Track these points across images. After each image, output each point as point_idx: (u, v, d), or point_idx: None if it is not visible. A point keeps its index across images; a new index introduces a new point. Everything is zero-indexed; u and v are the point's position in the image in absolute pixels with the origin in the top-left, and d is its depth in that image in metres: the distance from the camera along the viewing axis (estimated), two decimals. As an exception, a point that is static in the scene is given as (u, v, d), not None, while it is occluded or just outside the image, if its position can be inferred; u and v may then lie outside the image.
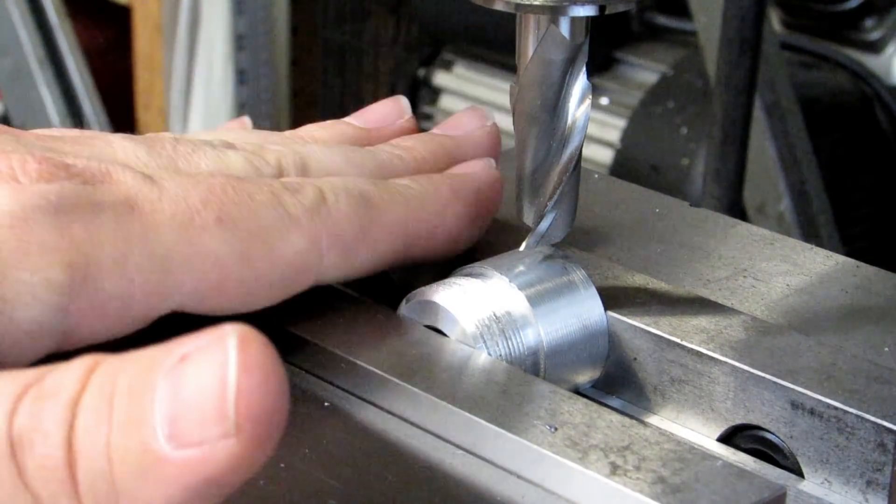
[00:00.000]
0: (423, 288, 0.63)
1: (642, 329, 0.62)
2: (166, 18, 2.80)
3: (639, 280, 0.66)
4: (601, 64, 2.27)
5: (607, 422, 0.55)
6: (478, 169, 0.67)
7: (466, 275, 0.63)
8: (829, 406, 0.57)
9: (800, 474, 0.59)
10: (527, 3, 0.60)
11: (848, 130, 2.14)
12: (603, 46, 2.26)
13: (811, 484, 0.58)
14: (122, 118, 2.84)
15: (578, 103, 0.63)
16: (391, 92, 2.57)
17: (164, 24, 2.81)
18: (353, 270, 0.62)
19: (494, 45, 2.34)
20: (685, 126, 2.12)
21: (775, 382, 0.59)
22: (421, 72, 2.50)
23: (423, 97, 2.48)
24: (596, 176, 0.85)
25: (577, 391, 0.63)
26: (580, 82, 0.63)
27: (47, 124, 2.62)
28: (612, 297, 0.64)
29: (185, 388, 0.41)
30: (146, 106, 2.90)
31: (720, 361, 0.60)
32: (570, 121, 0.63)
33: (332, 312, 0.62)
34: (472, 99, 2.41)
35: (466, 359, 0.59)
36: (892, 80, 2.21)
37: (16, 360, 0.52)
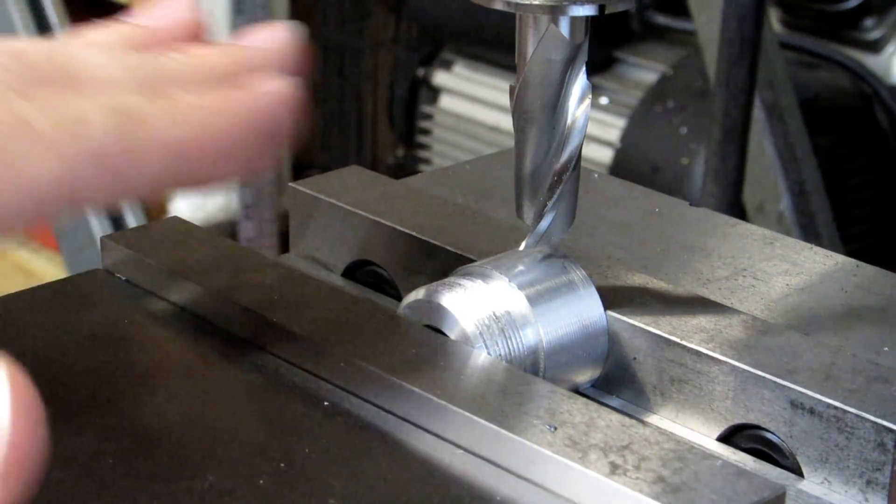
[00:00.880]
0: (423, 288, 0.63)
1: (642, 328, 0.62)
2: (166, 18, 2.80)
3: (638, 280, 0.66)
4: (601, 64, 2.27)
5: (607, 421, 0.55)
6: (272, 88, 0.60)
7: (466, 275, 0.63)
8: (828, 406, 0.57)
9: (799, 474, 0.59)
10: (527, 2, 0.60)
11: (848, 130, 2.14)
12: (603, 46, 2.26)
13: (811, 483, 0.58)
14: (122, 118, 2.84)
15: (578, 103, 0.63)
16: (391, 91, 2.57)
17: (163, 24, 2.80)
18: (122, 191, 0.55)
19: (494, 45, 2.33)
20: (685, 126, 2.12)
21: (775, 382, 0.59)
22: (421, 71, 2.50)
23: (423, 97, 2.48)
24: (596, 175, 0.85)
25: (577, 391, 0.63)
26: (580, 82, 0.63)
27: (47, 124, 2.61)
28: (612, 297, 0.64)
29: None
30: (146, 106, 2.90)
31: (720, 361, 0.60)
32: (569, 120, 0.63)
33: (332, 312, 0.62)
34: (473, 98, 2.41)
35: (466, 359, 0.59)
36: (892, 79, 2.21)
37: None
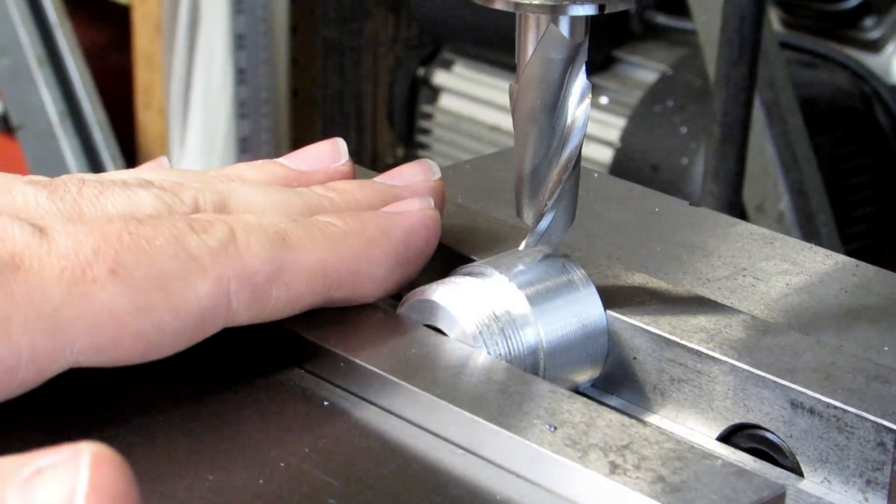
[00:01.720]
0: (422, 287, 0.63)
1: (642, 328, 0.62)
2: (166, 18, 2.80)
3: (638, 279, 0.66)
4: (601, 63, 2.27)
5: (607, 421, 0.55)
6: (413, 208, 0.63)
7: (466, 274, 0.63)
8: (828, 405, 0.57)
9: (799, 473, 0.59)
10: (526, 2, 0.60)
11: (848, 130, 2.14)
12: (602, 46, 2.26)
13: (811, 483, 0.58)
14: (122, 118, 2.85)
15: (578, 102, 0.63)
16: (391, 91, 2.57)
17: (163, 24, 2.81)
18: (268, 313, 0.58)
19: (494, 45, 2.34)
20: (684, 125, 2.12)
21: (775, 382, 0.59)
22: (421, 71, 2.50)
23: (422, 96, 2.48)
24: (595, 175, 0.85)
25: (577, 390, 0.63)
26: (580, 81, 0.63)
27: (47, 124, 2.62)
28: (612, 296, 0.64)
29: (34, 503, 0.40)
30: (146, 106, 2.90)
31: (720, 360, 0.60)
32: (569, 120, 0.63)
33: (332, 312, 0.62)
34: (473, 98, 2.41)
35: (466, 358, 0.59)
36: (892, 79, 2.21)
37: None
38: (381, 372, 0.58)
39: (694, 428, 0.62)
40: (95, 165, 2.65)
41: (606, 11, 0.61)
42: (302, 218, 0.60)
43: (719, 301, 0.65)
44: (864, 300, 0.70)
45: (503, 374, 0.58)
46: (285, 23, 2.83)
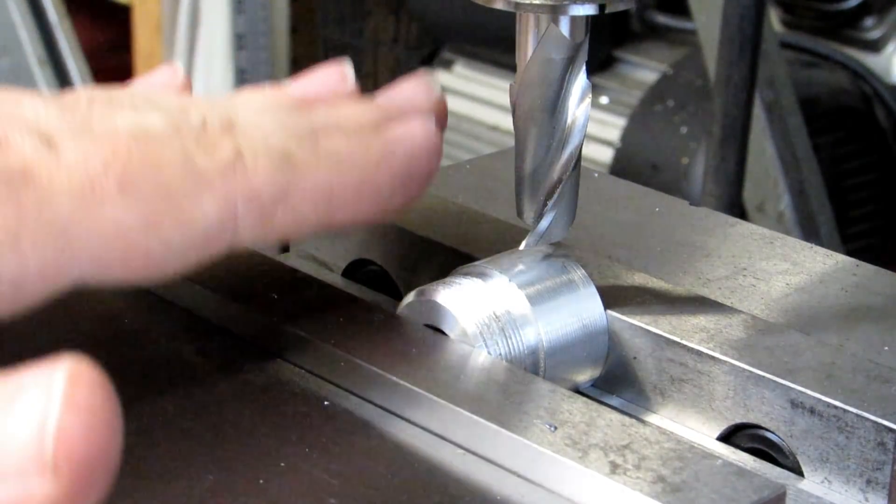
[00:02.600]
0: (422, 287, 0.62)
1: (642, 328, 0.62)
2: (166, 18, 2.80)
3: (638, 279, 0.66)
4: (601, 63, 2.27)
5: (607, 421, 0.55)
6: (415, 130, 0.62)
7: (466, 274, 0.63)
8: (828, 405, 0.57)
9: (800, 473, 0.59)
10: (527, 2, 0.60)
11: (848, 130, 2.14)
12: (603, 45, 2.26)
13: (811, 483, 0.58)
14: (122, 118, 2.84)
15: (578, 102, 0.63)
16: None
17: (164, 24, 2.81)
18: (273, 233, 0.58)
19: (494, 45, 2.34)
20: (685, 125, 2.12)
21: (775, 381, 0.59)
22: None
23: (423, 96, 2.48)
24: (596, 175, 0.85)
25: (577, 390, 0.63)
26: (580, 81, 0.63)
27: (47, 124, 2.61)
28: (612, 296, 0.64)
29: (9, 422, 0.40)
30: (146, 105, 2.90)
31: (720, 360, 0.60)
32: (569, 120, 0.63)
33: (331, 312, 0.62)
34: (473, 98, 2.41)
35: (466, 358, 0.59)
36: (892, 79, 2.21)
37: None
38: (381, 372, 0.58)
39: (694, 428, 0.62)
40: (96, 165, 2.64)
41: (607, 11, 0.61)
42: (307, 140, 0.60)
43: (719, 301, 0.65)
44: (864, 300, 0.70)
45: (503, 373, 0.58)
46: (286, 23, 2.83)
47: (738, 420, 0.60)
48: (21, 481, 0.39)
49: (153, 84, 0.66)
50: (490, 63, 2.40)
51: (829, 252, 0.74)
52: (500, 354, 0.61)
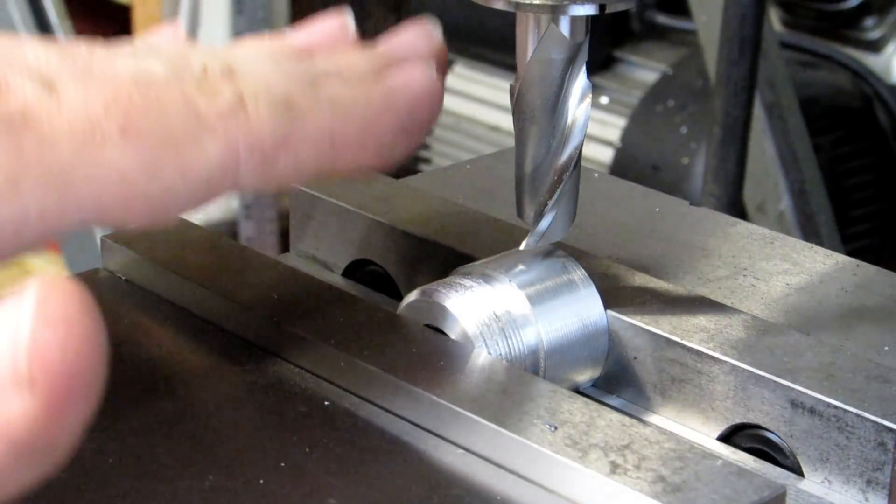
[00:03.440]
0: (423, 287, 0.62)
1: (642, 328, 0.62)
2: (166, 18, 2.80)
3: (639, 279, 0.66)
4: (601, 63, 2.27)
5: (607, 421, 0.55)
6: (416, 75, 0.63)
7: (466, 274, 0.63)
8: (829, 405, 0.57)
9: (800, 473, 0.59)
10: (527, 2, 0.60)
11: (848, 130, 2.14)
12: (603, 45, 2.26)
13: (811, 483, 0.58)
14: (122, 118, 2.84)
15: (578, 102, 0.63)
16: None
17: (164, 24, 2.81)
18: (274, 179, 0.58)
19: (494, 45, 2.33)
20: (685, 125, 2.12)
21: (775, 381, 0.59)
22: (421, 71, 2.50)
23: (423, 96, 2.48)
24: (596, 175, 0.85)
25: (577, 390, 0.63)
26: (580, 81, 0.63)
27: (47, 124, 2.62)
28: (612, 296, 0.64)
29: None
30: (146, 105, 2.90)
31: (720, 360, 0.60)
32: (570, 120, 0.63)
33: (332, 312, 0.62)
34: (473, 98, 2.41)
35: (466, 358, 0.59)
36: (892, 79, 2.21)
37: None
38: (381, 372, 0.58)
39: (694, 428, 0.62)
40: (96, 165, 2.65)
41: (607, 11, 0.61)
42: (308, 86, 0.60)
43: (720, 301, 0.65)
44: (864, 300, 0.70)
45: (503, 373, 0.58)
46: (285, 23, 2.83)
47: (739, 420, 0.60)
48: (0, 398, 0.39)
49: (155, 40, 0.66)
50: (490, 63, 2.40)
51: (830, 252, 0.74)
52: (501, 354, 0.61)
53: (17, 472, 0.40)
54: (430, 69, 0.63)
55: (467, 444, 0.56)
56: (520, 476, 0.54)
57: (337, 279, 0.73)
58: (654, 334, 0.62)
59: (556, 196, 0.64)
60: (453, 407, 0.56)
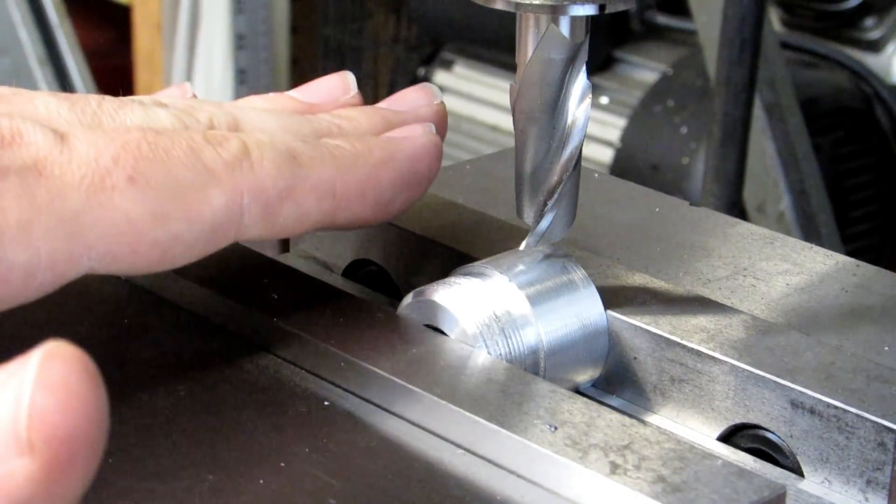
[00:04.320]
0: (422, 287, 0.62)
1: (642, 328, 0.62)
2: (166, 18, 2.80)
3: (639, 279, 0.66)
4: (601, 63, 2.27)
5: (607, 421, 0.55)
6: (416, 132, 0.65)
7: (466, 274, 0.63)
8: (829, 405, 0.57)
9: (800, 473, 0.59)
10: (527, 2, 0.60)
11: (848, 130, 2.14)
12: (603, 45, 2.26)
13: (811, 483, 0.58)
14: (122, 118, 2.84)
15: (578, 102, 0.63)
16: (391, 91, 2.57)
17: (163, 24, 2.81)
18: (277, 229, 0.59)
19: (494, 45, 2.34)
20: (685, 125, 2.12)
21: (775, 381, 0.59)
22: (421, 71, 2.50)
23: (423, 96, 2.48)
24: (596, 175, 0.85)
25: (577, 390, 0.63)
26: (580, 81, 0.63)
27: (47, 124, 2.61)
28: (612, 297, 0.64)
29: None
30: (146, 105, 2.89)
31: (720, 361, 0.60)
32: (570, 120, 0.63)
33: (332, 312, 0.62)
34: (473, 98, 2.41)
35: (466, 358, 0.59)
36: (892, 79, 2.21)
37: None
38: (381, 372, 0.58)
39: (694, 428, 0.62)
40: (96, 165, 2.64)
41: (607, 11, 0.61)
42: (311, 140, 0.62)
43: (720, 301, 0.65)
44: (864, 300, 0.70)
45: (503, 374, 0.58)
46: (286, 23, 2.83)
47: (739, 420, 0.60)
48: (1, 462, 0.39)
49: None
50: (490, 63, 2.40)
51: (830, 252, 0.74)
52: (500, 355, 0.61)
53: None
54: (429, 128, 0.66)
55: (467, 444, 0.56)
56: (520, 476, 0.54)
57: (337, 279, 0.73)
58: (654, 334, 0.62)
59: (556, 196, 0.64)
60: (453, 407, 0.56)
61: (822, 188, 1.91)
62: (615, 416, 0.56)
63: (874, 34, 2.23)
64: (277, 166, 0.59)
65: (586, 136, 0.64)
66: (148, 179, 0.55)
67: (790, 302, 0.69)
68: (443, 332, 0.61)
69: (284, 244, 0.74)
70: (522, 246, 0.65)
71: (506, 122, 2.27)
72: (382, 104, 0.68)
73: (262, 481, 0.53)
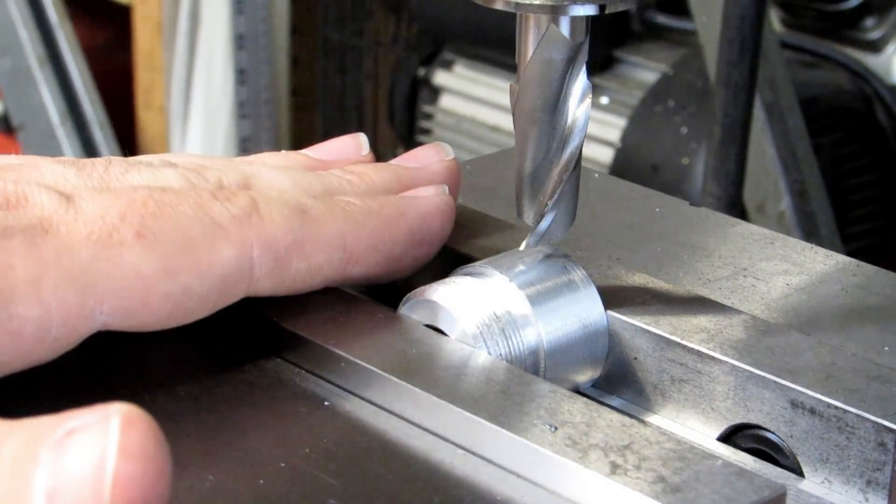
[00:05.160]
0: (423, 287, 0.63)
1: (642, 328, 0.62)
2: (166, 18, 2.80)
3: (639, 279, 0.66)
4: (601, 63, 2.27)
5: (607, 421, 0.55)
6: (428, 191, 0.65)
7: (466, 274, 0.63)
8: (829, 405, 0.57)
9: (800, 474, 0.59)
10: (527, 2, 0.60)
11: (848, 130, 2.14)
12: (603, 46, 2.26)
13: (811, 483, 0.58)
14: (123, 118, 2.84)
15: (578, 102, 0.63)
16: (392, 91, 2.57)
17: (164, 24, 2.81)
18: (289, 282, 0.60)
19: (495, 45, 2.33)
20: (685, 125, 2.12)
21: (775, 382, 0.59)
22: (421, 71, 2.50)
23: (423, 96, 2.48)
24: (596, 175, 0.85)
25: (578, 390, 0.63)
26: (580, 81, 0.63)
27: (47, 124, 2.62)
28: (613, 297, 0.64)
29: (66, 465, 0.41)
30: (146, 106, 2.90)
31: (720, 361, 0.60)
32: (570, 120, 0.63)
33: (331, 311, 0.62)
34: (473, 98, 2.41)
35: (466, 358, 0.59)
36: (892, 79, 2.21)
37: None
38: (381, 372, 0.58)
39: (694, 428, 0.62)
40: (96, 165, 2.64)
41: (607, 11, 0.61)
42: (322, 195, 0.62)
43: (720, 301, 0.65)
44: (864, 300, 0.70)
45: (503, 374, 0.58)
46: (286, 23, 2.83)
47: (739, 420, 0.60)
48: None
49: None
50: (490, 63, 2.40)
51: (830, 252, 0.74)
52: (501, 355, 0.61)
53: None
54: (441, 188, 0.66)
55: (467, 444, 0.56)
56: (519, 476, 0.54)
57: (337, 279, 0.73)
58: (654, 334, 0.62)
59: (556, 196, 0.64)
60: (453, 407, 0.56)
61: (822, 188, 1.91)
62: (615, 416, 0.56)
63: (874, 34, 2.23)
64: (287, 219, 0.59)
65: (586, 136, 0.64)
66: (156, 234, 0.55)
67: (790, 302, 0.69)
68: (443, 332, 0.61)
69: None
70: (522, 246, 0.65)
71: (506, 122, 2.27)
72: (394, 161, 0.69)
73: (261, 481, 0.53)
